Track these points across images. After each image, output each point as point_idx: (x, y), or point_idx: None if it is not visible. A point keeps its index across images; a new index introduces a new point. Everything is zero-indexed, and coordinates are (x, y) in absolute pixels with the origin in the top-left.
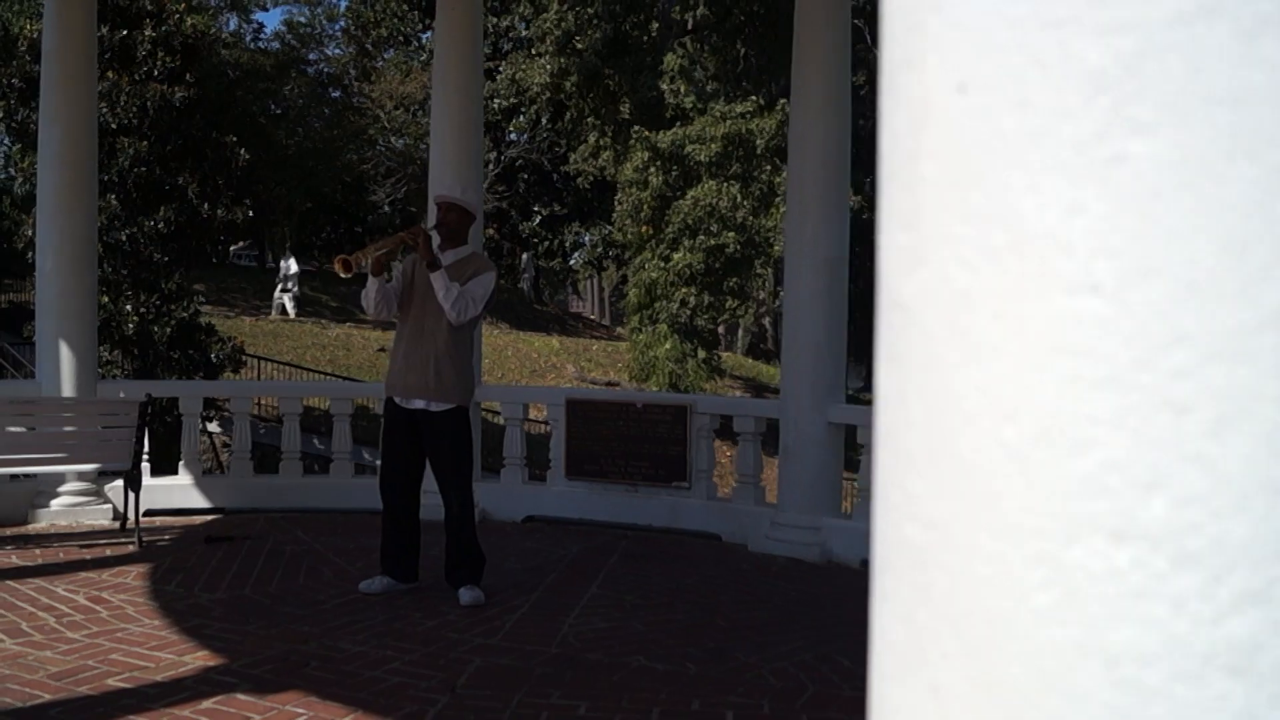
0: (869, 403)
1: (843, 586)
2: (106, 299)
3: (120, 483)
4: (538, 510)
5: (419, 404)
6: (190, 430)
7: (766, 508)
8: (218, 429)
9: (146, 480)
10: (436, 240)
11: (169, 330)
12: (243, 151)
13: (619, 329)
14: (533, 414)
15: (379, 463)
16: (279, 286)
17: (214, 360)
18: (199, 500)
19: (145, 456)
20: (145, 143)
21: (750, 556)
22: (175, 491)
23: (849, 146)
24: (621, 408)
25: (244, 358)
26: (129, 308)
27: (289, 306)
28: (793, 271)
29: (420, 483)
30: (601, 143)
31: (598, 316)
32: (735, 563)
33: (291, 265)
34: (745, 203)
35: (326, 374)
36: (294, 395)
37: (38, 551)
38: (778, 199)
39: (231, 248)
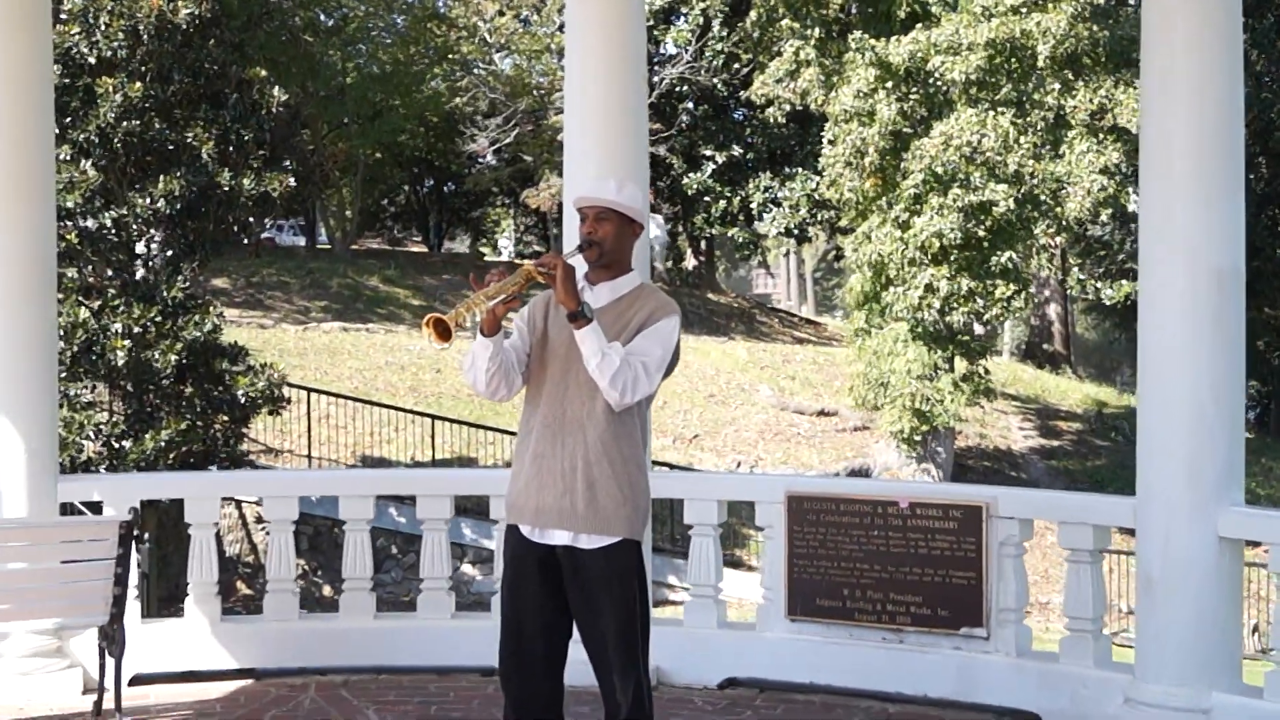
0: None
1: None
2: (86, 313)
3: (95, 635)
4: (743, 669)
5: (561, 538)
6: (203, 550)
7: (1116, 672)
8: (253, 497)
9: (135, 629)
10: (582, 270)
11: (176, 356)
12: (278, 90)
13: (829, 323)
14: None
15: (499, 620)
16: None
17: (242, 400)
18: (217, 657)
19: (133, 594)
20: (139, 84)
21: None
22: (180, 644)
23: (1241, 88)
24: (875, 508)
25: (287, 390)
26: (118, 326)
27: None
28: (1154, 289)
29: (564, 660)
30: (804, 56)
31: (796, 305)
32: None
33: None
34: (1022, 140)
35: (407, 410)
36: (360, 494)
37: None
38: (1072, 134)
39: (265, 225)
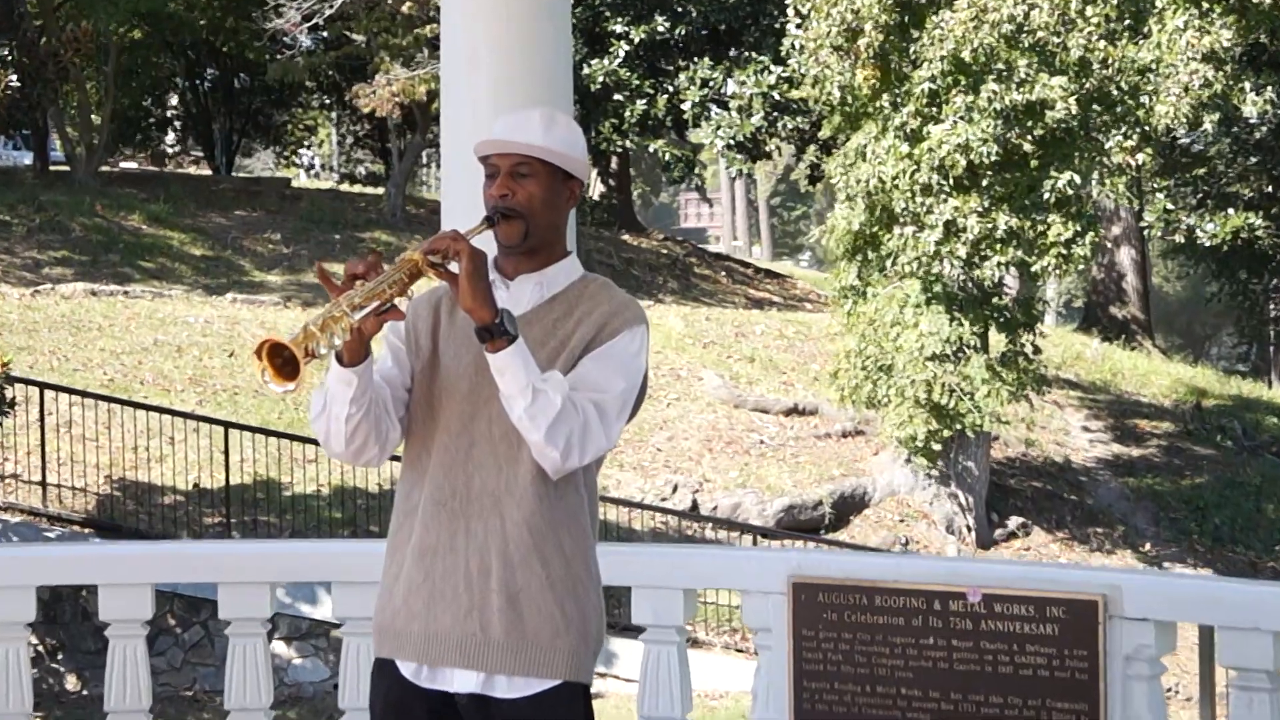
0: None
1: None
2: None
3: None
4: None
5: (465, 681)
6: None
7: None
8: None
9: None
10: (490, 255)
11: None
12: None
13: (798, 274)
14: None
15: None
16: None
17: None
18: None
19: None
20: None
21: None
22: None
23: None
24: (930, 601)
25: (12, 387)
26: None
27: None
28: None
29: None
30: None
31: (745, 247)
32: None
33: None
34: (1090, 12)
35: (187, 415)
36: (134, 580)
37: None
38: (1162, 3)
39: None
